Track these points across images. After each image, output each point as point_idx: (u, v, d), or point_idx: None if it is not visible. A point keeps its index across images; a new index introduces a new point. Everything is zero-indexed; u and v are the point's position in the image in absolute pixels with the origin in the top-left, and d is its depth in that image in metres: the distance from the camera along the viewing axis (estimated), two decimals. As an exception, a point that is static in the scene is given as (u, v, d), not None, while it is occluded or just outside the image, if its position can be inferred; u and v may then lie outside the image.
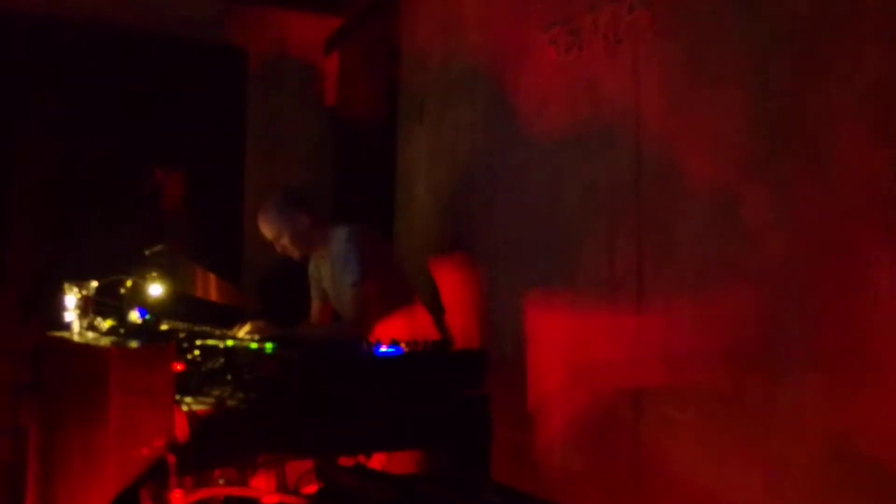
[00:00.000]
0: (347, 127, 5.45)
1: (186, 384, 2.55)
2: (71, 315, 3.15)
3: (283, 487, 2.94)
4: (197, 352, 2.73)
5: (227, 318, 3.62)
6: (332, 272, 3.73)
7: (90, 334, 3.03)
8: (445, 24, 4.49)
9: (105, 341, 2.74)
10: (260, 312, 3.83)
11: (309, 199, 3.81)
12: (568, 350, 3.48)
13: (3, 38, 4.67)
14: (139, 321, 3.00)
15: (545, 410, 3.59)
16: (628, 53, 3.21)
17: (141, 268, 3.23)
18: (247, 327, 3.40)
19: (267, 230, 3.68)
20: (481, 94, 4.15)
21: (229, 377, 2.61)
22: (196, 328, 3.14)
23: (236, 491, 2.65)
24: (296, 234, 3.66)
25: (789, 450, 2.53)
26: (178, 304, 3.34)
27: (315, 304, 3.94)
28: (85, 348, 2.75)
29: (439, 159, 4.53)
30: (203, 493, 2.46)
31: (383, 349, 2.81)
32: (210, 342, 2.80)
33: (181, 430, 2.31)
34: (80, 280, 3.15)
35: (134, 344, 2.53)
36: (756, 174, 2.69)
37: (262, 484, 2.89)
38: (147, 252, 3.33)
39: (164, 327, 3.07)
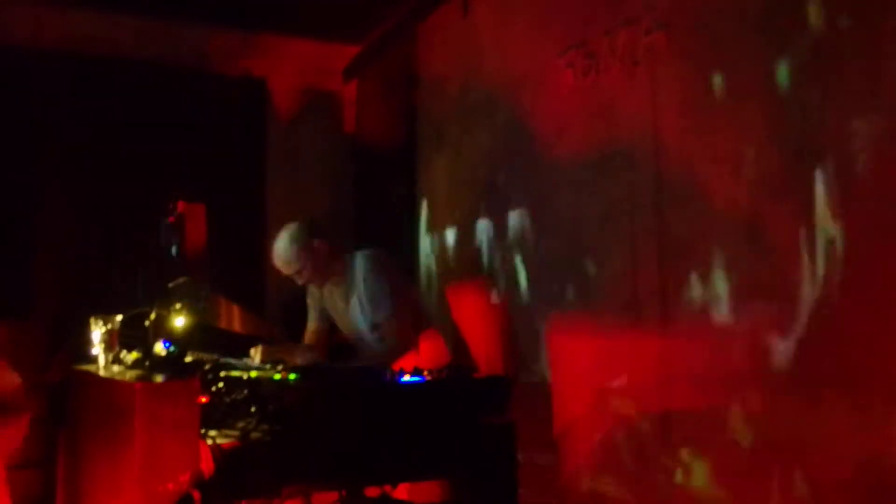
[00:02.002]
0: (367, 154, 5.47)
1: (211, 416, 2.54)
2: (97, 348, 3.17)
3: (308, 519, 2.93)
4: (221, 383, 2.73)
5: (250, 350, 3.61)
6: (347, 301, 3.71)
7: (116, 367, 3.04)
8: (463, 50, 4.52)
9: (130, 375, 2.75)
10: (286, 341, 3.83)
11: (322, 224, 3.78)
12: (593, 373, 3.46)
13: (25, 72, 4.74)
14: (164, 353, 3.00)
15: (571, 435, 3.56)
16: (645, 75, 3.21)
17: (165, 300, 3.24)
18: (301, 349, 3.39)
19: (285, 266, 3.64)
20: (500, 119, 4.16)
21: (253, 409, 2.61)
22: (221, 359, 3.14)
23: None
24: (316, 264, 3.62)
25: (819, 472, 2.49)
26: (203, 335, 3.35)
27: (311, 325, 3.89)
28: (110, 382, 2.76)
29: (459, 184, 4.53)
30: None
31: (406, 378, 2.80)
32: (234, 373, 2.80)
33: (206, 464, 2.31)
34: (105, 313, 3.17)
35: (159, 378, 2.54)
36: (779, 194, 2.67)
37: (287, 516, 2.87)
38: (171, 284, 3.34)
39: (189, 359, 3.07)
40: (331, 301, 3.81)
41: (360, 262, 3.64)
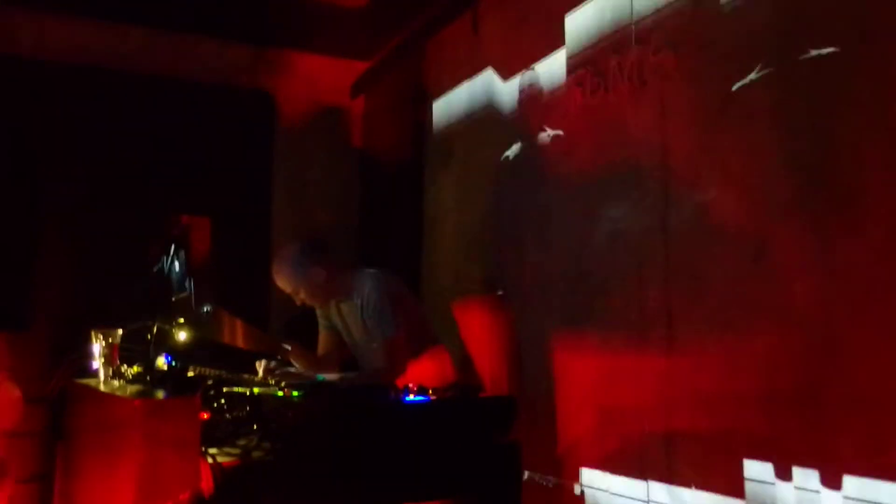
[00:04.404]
0: (374, 169, 5.47)
1: (212, 433, 2.52)
2: (97, 362, 3.15)
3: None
4: (223, 400, 2.70)
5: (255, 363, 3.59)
6: (351, 317, 3.70)
7: (116, 382, 3.02)
8: (471, 67, 4.51)
9: (131, 390, 2.73)
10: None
11: (326, 245, 3.76)
12: (598, 393, 3.43)
13: (31, 84, 4.74)
14: (166, 367, 2.98)
15: (576, 455, 3.53)
16: (654, 95, 3.19)
17: (168, 314, 3.22)
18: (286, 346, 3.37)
19: (284, 286, 3.64)
20: (508, 136, 4.14)
21: (255, 427, 2.58)
22: (224, 374, 3.12)
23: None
24: (314, 288, 3.62)
25: (824, 491, 2.46)
26: (205, 350, 3.33)
27: (323, 335, 3.89)
28: (110, 398, 2.74)
29: (466, 201, 4.52)
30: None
31: (411, 397, 2.77)
32: (237, 390, 2.78)
33: (206, 483, 2.28)
34: (106, 327, 3.15)
35: (160, 395, 2.51)
36: (786, 215, 2.65)
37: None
38: (174, 298, 3.32)
39: (191, 374, 3.05)
40: (336, 316, 3.81)
41: (364, 281, 3.63)
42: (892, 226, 2.34)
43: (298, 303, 3.70)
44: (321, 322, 3.91)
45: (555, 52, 3.79)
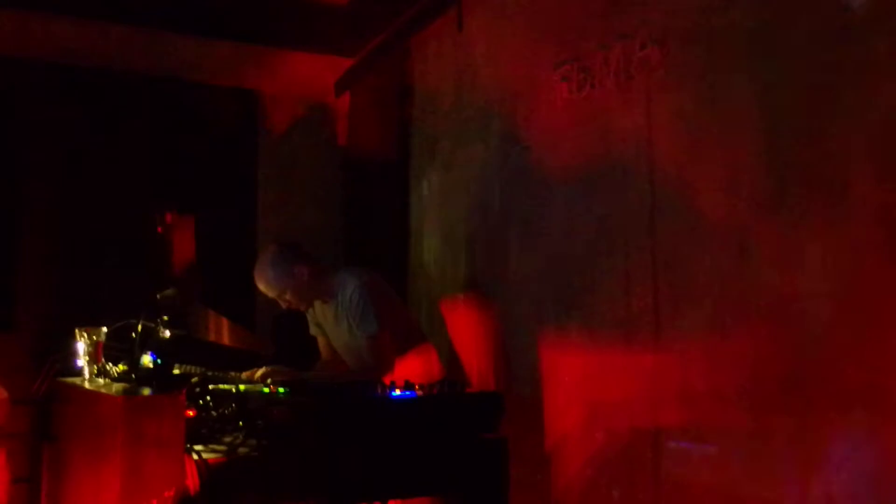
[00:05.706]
0: (359, 167, 5.45)
1: (198, 431, 2.51)
2: (82, 361, 3.13)
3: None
4: (208, 397, 2.69)
5: (242, 362, 3.58)
6: (336, 318, 3.69)
7: (101, 381, 3.01)
8: (457, 64, 4.50)
9: (116, 388, 2.72)
10: (275, 357, 3.79)
11: (304, 248, 3.75)
12: (586, 389, 3.43)
13: (14, 82, 4.70)
14: (151, 365, 2.96)
15: (564, 452, 3.53)
16: (640, 90, 3.19)
17: (153, 312, 3.20)
18: (262, 371, 3.36)
19: (267, 290, 3.63)
20: (494, 133, 4.13)
21: (241, 423, 2.57)
22: (210, 372, 3.11)
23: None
24: (298, 289, 3.61)
25: (812, 489, 2.47)
26: (191, 348, 3.32)
27: (321, 340, 3.90)
28: (95, 396, 2.72)
29: (452, 198, 4.51)
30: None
31: (397, 392, 2.76)
32: (222, 387, 2.77)
33: (192, 480, 2.27)
34: (91, 325, 3.13)
35: (145, 392, 2.50)
36: (771, 210, 2.65)
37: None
38: (159, 296, 3.31)
39: (176, 371, 3.04)
40: (322, 317, 3.81)
41: (347, 281, 3.63)
42: (874, 219, 2.35)
43: (284, 305, 3.70)
44: (312, 329, 3.90)
45: (540, 47, 3.79)
